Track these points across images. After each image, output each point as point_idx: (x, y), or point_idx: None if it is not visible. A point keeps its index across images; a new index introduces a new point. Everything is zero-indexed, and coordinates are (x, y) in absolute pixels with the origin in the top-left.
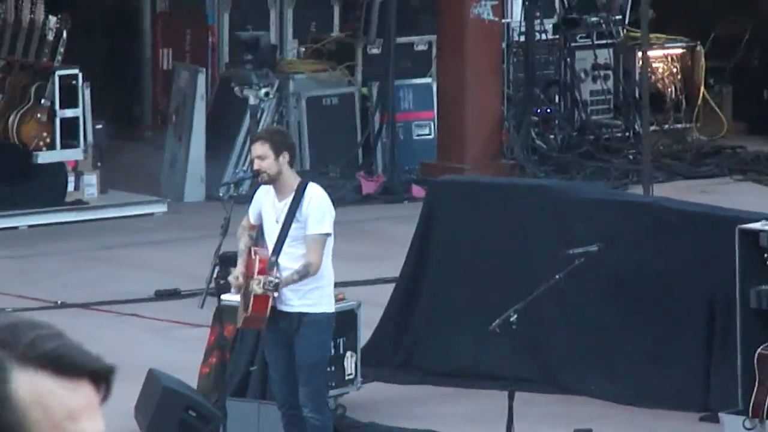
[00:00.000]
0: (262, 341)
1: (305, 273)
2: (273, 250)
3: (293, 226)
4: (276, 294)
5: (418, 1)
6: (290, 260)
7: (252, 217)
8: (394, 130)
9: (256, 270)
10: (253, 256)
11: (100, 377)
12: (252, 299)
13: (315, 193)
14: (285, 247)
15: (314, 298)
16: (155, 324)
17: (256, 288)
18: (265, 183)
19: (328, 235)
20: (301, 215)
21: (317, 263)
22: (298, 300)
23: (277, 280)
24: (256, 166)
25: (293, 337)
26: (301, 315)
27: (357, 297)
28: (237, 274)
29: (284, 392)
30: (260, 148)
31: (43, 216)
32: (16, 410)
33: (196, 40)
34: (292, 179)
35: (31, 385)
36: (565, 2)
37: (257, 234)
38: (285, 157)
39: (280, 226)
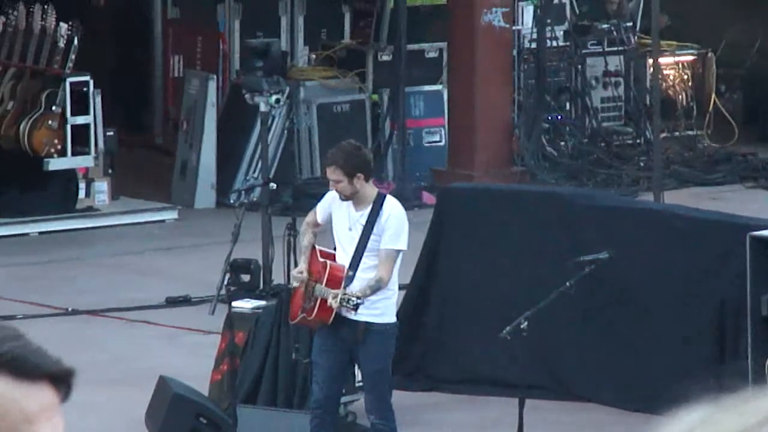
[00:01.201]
0: (273, 348)
1: (377, 288)
2: (351, 264)
3: (371, 239)
4: (353, 314)
5: (429, 8)
6: (362, 270)
7: (320, 216)
8: (405, 137)
9: (326, 278)
10: (320, 259)
11: (60, 380)
12: (318, 305)
13: (394, 208)
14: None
15: (381, 308)
16: (166, 331)
17: (332, 302)
18: (344, 200)
19: (401, 251)
20: (379, 228)
21: (388, 278)
22: (365, 309)
23: (359, 302)
24: (331, 187)
25: (355, 345)
26: (367, 324)
27: None
28: (301, 269)
29: (324, 395)
30: (333, 174)
31: (54, 223)
32: None
33: (207, 47)
34: (370, 192)
35: None
36: (576, 9)
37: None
38: (359, 178)
39: (357, 238)
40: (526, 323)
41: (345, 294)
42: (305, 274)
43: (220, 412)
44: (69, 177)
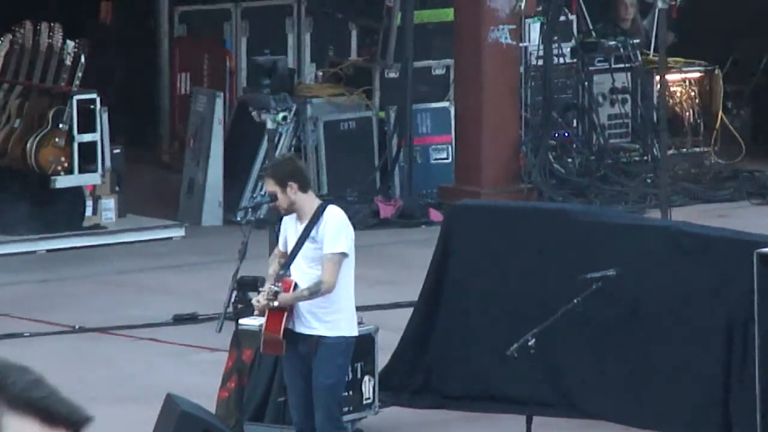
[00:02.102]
0: (281, 366)
1: (316, 290)
2: (283, 265)
3: (308, 245)
4: (275, 303)
5: (436, 25)
6: (307, 281)
7: (281, 244)
8: (412, 154)
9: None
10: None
11: (77, 427)
12: (266, 318)
13: (332, 214)
14: (304, 268)
15: (333, 321)
16: (173, 348)
17: (261, 299)
18: (285, 214)
19: (343, 254)
20: (317, 235)
21: (330, 282)
22: (317, 322)
23: (276, 289)
24: (270, 205)
25: (311, 361)
26: (320, 338)
27: (374, 321)
28: (259, 299)
29: (302, 417)
30: (268, 185)
31: (61, 240)
32: None
33: (214, 64)
34: (309, 203)
35: (19, 430)
36: (590, 25)
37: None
38: (292, 188)
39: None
40: (533, 340)
41: (268, 287)
42: (263, 302)
43: (227, 429)
44: (76, 195)
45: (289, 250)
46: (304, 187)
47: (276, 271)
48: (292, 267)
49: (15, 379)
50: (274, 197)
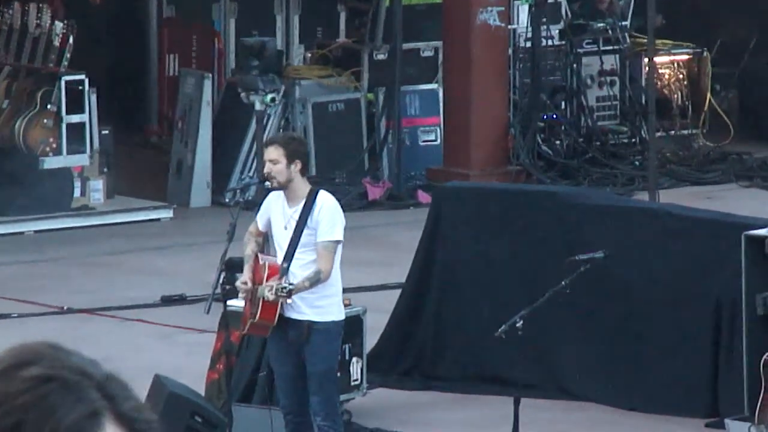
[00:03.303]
0: (267, 348)
1: (316, 280)
2: (284, 257)
3: (305, 232)
4: (289, 301)
5: (424, 7)
6: (300, 267)
7: (260, 223)
8: (400, 136)
9: (266, 277)
10: (261, 263)
11: None
12: (260, 306)
13: (326, 201)
14: (296, 253)
15: (324, 306)
16: (161, 329)
17: (268, 294)
18: (275, 188)
19: (338, 242)
20: (312, 222)
21: (328, 270)
22: (308, 308)
23: (291, 287)
24: (266, 169)
25: (302, 346)
26: (310, 323)
27: (363, 303)
28: (245, 279)
29: (290, 400)
30: (273, 152)
31: (49, 221)
32: None
33: (203, 45)
34: (303, 187)
35: None
36: (567, 11)
37: (264, 241)
38: (297, 165)
39: (290, 233)
40: (521, 322)
41: (279, 283)
42: (249, 284)
43: (215, 410)
44: (64, 176)
45: (275, 233)
46: (303, 171)
47: (254, 251)
48: (279, 250)
49: (127, 395)
50: (273, 163)
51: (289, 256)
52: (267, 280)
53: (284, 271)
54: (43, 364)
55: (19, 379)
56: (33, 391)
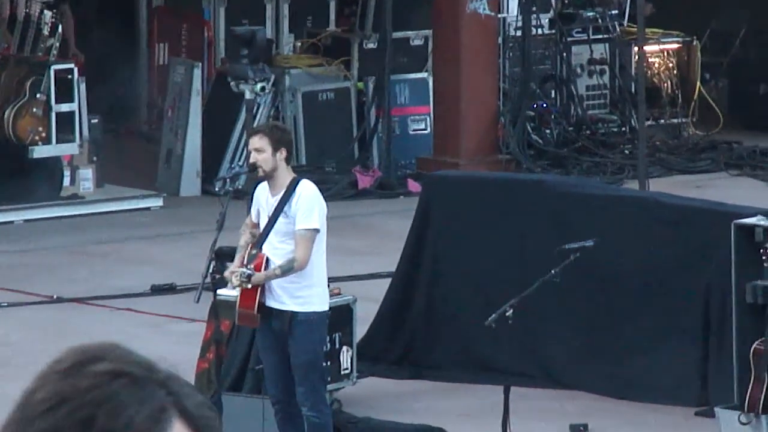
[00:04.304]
0: (255, 338)
1: (288, 268)
2: (256, 243)
3: (280, 220)
4: (249, 286)
5: None
6: (279, 257)
7: (253, 214)
8: (390, 125)
9: (254, 267)
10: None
11: None
12: (240, 294)
13: (305, 189)
14: (275, 243)
15: (304, 297)
16: (151, 319)
17: (234, 280)
18: (261, 178)
19: (316, 230)
20: (290, 210)
21: (303, 259)
22: (289, 299)
23: (249, 272)
24: (252, 159)
25: (286, 337)
26: (292, 314)
27: (353, 292)
28: (233, 269)
29: (278, 390)
30: (258, 141)
31: (38, 210)
32: None
33: (193, 34)
34: (287, 176)
35: None
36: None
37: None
38: (282, 154)
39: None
40: (511, 311)
41: (241, 270)
42: (236, 283)
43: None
44: (54, 164)
45: (262, 223)
46: (288, 159)
47: (248, 242)
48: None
49: (189, 392)
50: (258, 152)
51: (259, 242)
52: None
53: (252, 258)
54: (110, 359)
55: (89, 374)
56: (104, 387)
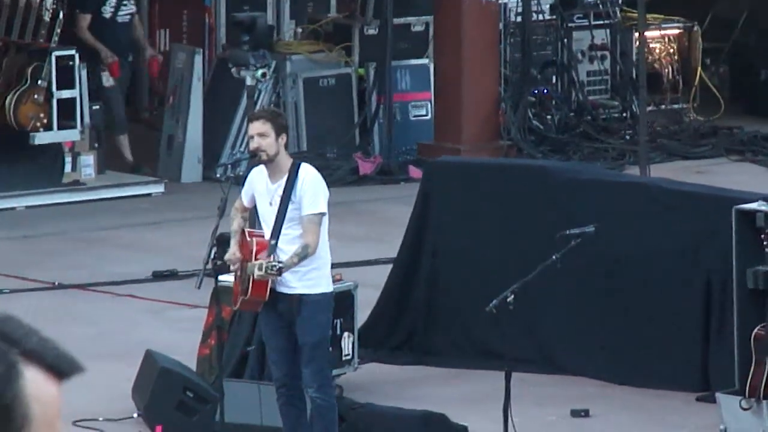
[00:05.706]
0: (259, 322)
1: (304, 254)
2: (272, 234)
3: (290, 207)
4: (279, 278)
5: None
6: (287, 242)
7: (245, 199)
8: (391, 111)
9: (254, 253)
10: (248, 239)
11: (69, 378)
12: (251, 282)
13: (308, 173)
14: (282, 229)
15: (313, 279)
16: (152, 305)
17: (257, 272)
18: (263, 162)
19: (323, 214)
20: (296, 196)
21: (315, 243)
22: (297, 281)
23: (280, 265)
24: (255, 144)
25: (293, 319)
26: (300, 296)
27: (354, 278)
28: (233, 251)
29: (282, 373)
30: (262, 126)
31: (40, 197)
32: (25, 405)
33: (193, 20)
34: (286, 161)
35: (35, 384)
36: None
37: (250, 216)
38: (283, 139)
39: (275, 208)
40: (512, 297)
41: (268, 261)
42: (238, 255)
43: (206, 385)
44: (55, 151)
45: (259, 209)
46: (287, 145)
47: (240, 226)
48: (266, 227)
49: (27, 334)
50: (262, 137)
51: (276, 232)
52: (256, 256)
53: (273, 249)
54: None
55: None
56: None
